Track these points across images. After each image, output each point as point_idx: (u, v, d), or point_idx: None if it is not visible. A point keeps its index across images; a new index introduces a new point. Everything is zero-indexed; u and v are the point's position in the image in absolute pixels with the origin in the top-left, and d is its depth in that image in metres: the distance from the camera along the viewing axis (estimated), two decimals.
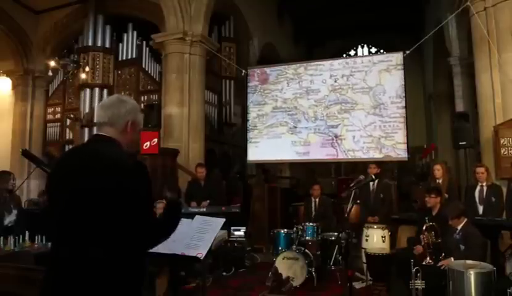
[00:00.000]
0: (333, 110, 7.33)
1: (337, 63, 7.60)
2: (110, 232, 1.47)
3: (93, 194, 1.48)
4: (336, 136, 7.13)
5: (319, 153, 7.30)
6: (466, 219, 3.83)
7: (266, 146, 7.58)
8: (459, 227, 3.79)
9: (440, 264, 3.65)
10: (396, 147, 6.87)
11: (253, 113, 7.59)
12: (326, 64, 7.63)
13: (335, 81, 7.39)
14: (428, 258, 3.79)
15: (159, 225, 1.67)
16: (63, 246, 1.53)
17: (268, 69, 7.88)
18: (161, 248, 2.35)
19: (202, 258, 2.34)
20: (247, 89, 8.15)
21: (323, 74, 7.51)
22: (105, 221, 1.47)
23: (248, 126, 7.93)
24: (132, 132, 1.71)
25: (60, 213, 1.55)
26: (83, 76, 9.53)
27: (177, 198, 1.82)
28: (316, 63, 7.79)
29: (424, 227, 3.91)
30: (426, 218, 3.96)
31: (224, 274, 5.48)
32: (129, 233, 1.50)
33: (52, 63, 9.82)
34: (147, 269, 1.74)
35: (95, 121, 1.68)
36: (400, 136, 6.86)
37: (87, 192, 1.49)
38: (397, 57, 7.09)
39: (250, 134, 7.76)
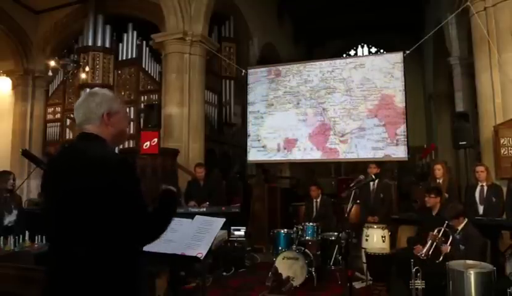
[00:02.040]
0: (337, 110, 7.39)
1: (338, 61, 7.68)
2: (96, 230, 1.45)
3: (76, 193, 1.47)
4: (323, 109, 7.48)
5: (314, 120, 7.55)
6: (466, 220, 3.84)
7: (280, 116, 7.91)
8: (459, 228, 3.79)
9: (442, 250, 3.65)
10: (396, 147, 6.88)
11: (270, 95, 7.98)
12: (325, 63, 7.71)
13: (327, 74, 7.52)
14: (424, 250, 3.77)
15: (151, 216, 1.58)
16: (55, 245, 1.55)
17: (280, 67, 8.12)
18: (161, 248, 2.36)
19: (202, 258, 2.33)
20: (247, 88, 8.16)
21: (322, 71, 7.59)
22: (90, 220, 1.45)
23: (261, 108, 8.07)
24: (114, 123, 1.64)
25: (50, 212, 1.57)
26: (83, 76, 9.53)
27: (172, 188, 1.76)
28: (314, 62, 7.87)
29: (437, 229, 3.85)
30: (446, 222, 3.85)
31: (224, 274, 5.48)
32: (116, 231, 1.46)
33: (52, 63, 9.81)
34: (145, 269, 1.68)
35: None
36: (402, 137, 6.87)
37: (71, 191, 1.49)
38: (397, 57, 7.10)
39: (267, 109, 8.00)
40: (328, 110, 7.43)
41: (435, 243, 3.80)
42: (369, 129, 7.09)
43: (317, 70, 7.64)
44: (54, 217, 1.54)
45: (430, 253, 3.78)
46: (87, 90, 1.83)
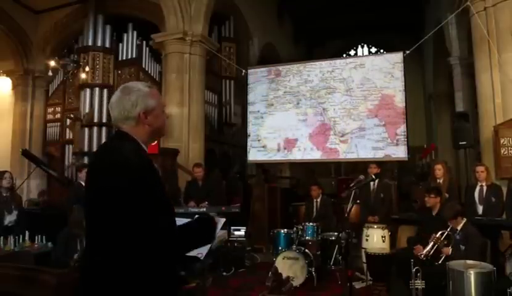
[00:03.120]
0: (337, 110, 7.37)
1: (339, 61, 7.66)
2: (111, 234, 1.41)
3: (96, 194, 1.45)
4: (323, 109, 7.46)
5: (314, 120, 7.53)
6: (465, 220, 3.83)
7: (280, 116, 7.90)
8: (459, 228, 3.79)
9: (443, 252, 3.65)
10: (396, 147, 6.87)
11: (270, 95, 7.98)
12: (325, 63, 7.70)
13: (327, 74, 7.50)
14: (424, 251, 3.77)
15: (169, 233, 1.47)
16: (87, 245, 1.56)
17: (280, 67, 8.11)
18: None
19: (202, 258, 2.33)
20: (247, 89, 8.16)
21: (322, 71, 7.58)
22: (111, 222, 1.41)
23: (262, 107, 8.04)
24: (152, 121, 1.57)
25: (86, 211, 1.57)
26: (83, 76, 9.53)
27: (217, 220, 1.73)
28: (314, 62, 7.86)
29: (440, 232, 3.82)
30: (450, 226, 3.82)
31: (224, 274, 5.48)
32: (130, 237, 1.39)
33: (52, 63, 9.81)
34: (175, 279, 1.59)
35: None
36: (402, 137, 6.86)
37: (94, 192, 1.48)
38: (397, 57, 7.09)
39: (267, 109, 7.96)
40: (328, 110, 7.43)
41: (436, 246, 3.79)
42: (369, 129, 7.08)
43: (317, 70, 7.63)
44: (87, 215, 1.53)
45: (430, 254, 3.78)
46: (122, 86, 1.66)
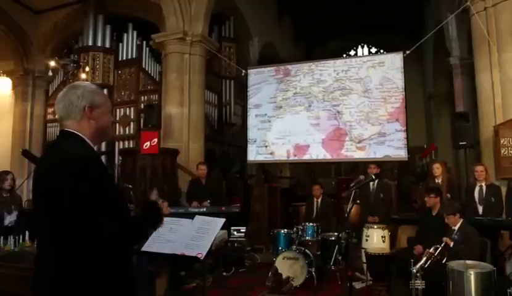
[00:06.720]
0: (352, 113, 7.02)
1: (355, 60, 7.45)
2: (63, 232, 1.42)
3: (46, 193, 1.46)
4: (338, 112, 6.96)
5: (327, 124, 7.03)
6: (462, 220, 3.82)
7: (289, 120, 7.41)
8: (456, 228, 3.78)
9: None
10: (396, 147, 6.77)
11: (279, 97, 7.49)
12: (339, 61, 7.45)
13: (342, 74, 7.17)
14: (418, 266, 3.67)
15: (119, 226, 1.48)
16: (37, 245, 1.59)
17: (289, 66, 7.64)
18: (161, 248, 2.36)
19: (202, 258, 2.33)
20: (247, 90, 8.13)
21: (337, 70, 7.24)
22: (57, 221, 1.42)
23: (270, 109, 7.62)
24: (96, 117, 1.57)
25: (34, 212, 1.59)
26: (83, 76, 9.51)
27: (156, 204, 1.73)
28: (327, 61, 7.54)
29: (434, 247, 3.69)
30: (444, 242, 3.70)
31: (224, 274, 5.48)
32: (80, 234, 1.40)
33: (52, 63, 9.79)
34: (130, 275, 1.59)
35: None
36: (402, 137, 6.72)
37: (43, 191, 1.48)
38: (397, 57, 6.95)
39: (275, 112, 7.46)
40: (343, 113, 6.88)
41: (430, 260, 3.72)
42: (389, 134, 6.51)
43: (330, 69, 7.05)
44: (37, 216, 1.55)
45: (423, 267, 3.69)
46: (70, 84, 1.73)
